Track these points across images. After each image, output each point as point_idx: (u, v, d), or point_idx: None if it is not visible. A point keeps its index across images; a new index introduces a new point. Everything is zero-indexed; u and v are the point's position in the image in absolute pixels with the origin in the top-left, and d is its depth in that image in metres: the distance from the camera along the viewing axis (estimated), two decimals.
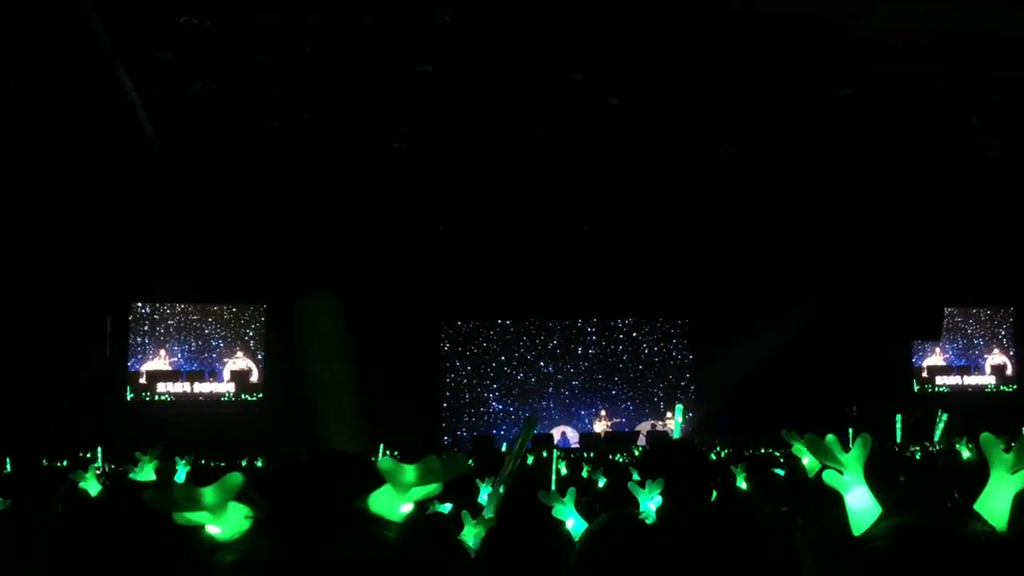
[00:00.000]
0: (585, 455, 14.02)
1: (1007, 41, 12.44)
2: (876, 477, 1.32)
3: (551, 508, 1.83)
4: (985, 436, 1.23)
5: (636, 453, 14.73)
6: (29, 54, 12.11)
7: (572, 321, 21.30)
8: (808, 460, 2.57)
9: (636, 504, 1.78)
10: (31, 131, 14.22)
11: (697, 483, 2.60)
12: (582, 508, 1.89)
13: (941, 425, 11.21)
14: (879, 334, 19.85)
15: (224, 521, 0.85)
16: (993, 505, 1.20)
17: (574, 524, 1.82)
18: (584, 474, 5.00)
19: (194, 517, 0.85)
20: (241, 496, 0.86)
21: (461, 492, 3.80)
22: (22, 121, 13.82)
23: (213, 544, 0.86)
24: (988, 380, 21.96)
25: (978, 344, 22.07)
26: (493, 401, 20.88)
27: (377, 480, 0.89)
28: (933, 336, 21.76)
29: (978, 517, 1.15)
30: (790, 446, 2.73)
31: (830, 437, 1.33)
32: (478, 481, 3.42)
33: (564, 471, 5.74)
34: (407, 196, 17.37)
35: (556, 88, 13.62)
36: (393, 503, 0.88)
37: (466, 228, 18.38)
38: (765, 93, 13.91)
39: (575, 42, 12.37)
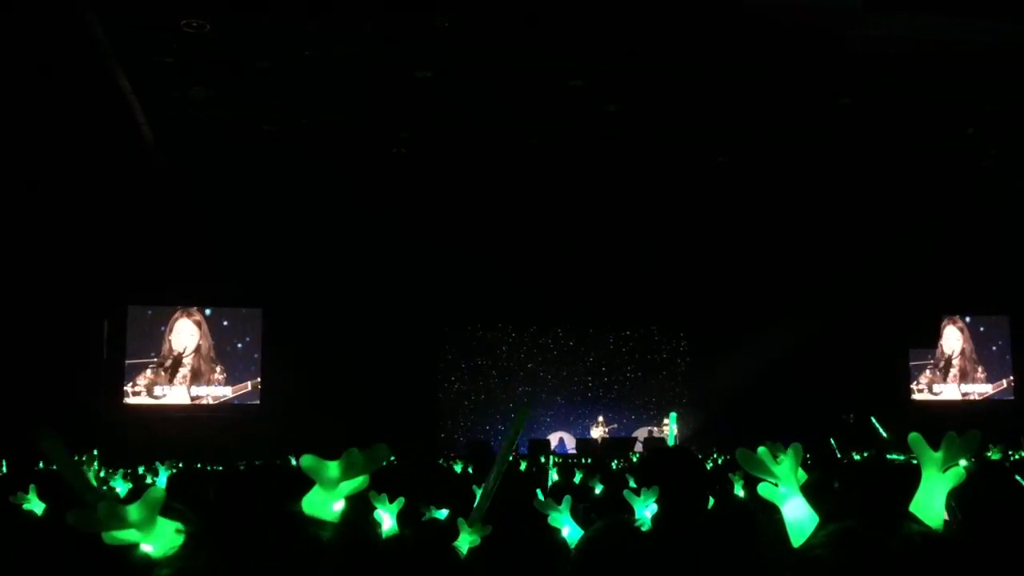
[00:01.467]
0: (582, 461, 14.01)
1: (1003, 52, 12.49)
2: (812, 486, 1.31)
3: (546, 516, 1.83)
4: (913, 436, 1.23)
5: (633, 459, 14.71)
6: (28, 57, 12.11)
7: (570, 327, 21.28)
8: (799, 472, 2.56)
9: (632, 511, 1.78)
10: (30, 135, 14.22)
11: (693, 490, 2.60)
12: (578, 515, 1.89)
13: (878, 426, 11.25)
14: (876, 342, 19.87)
15: (155, 538, 0.86)
16: (928, 505, 1.19)
17: (570, 532, 1.83)
18: (577, 480, 4.99)
19: (123, 536, 0.85)
20: (170, 511, 0.87)
21: (457, 498, 3.80)
22: (21, 125, 13.82)
23: (148, 562, 0.86)
24: (985, 388, 21.97)
25: (975, 353, 22.07)
26: (490, 407, 20.85)
27: (308, 484, 0.89)
28: (929, 344, 21.77)
29: (913, 518, 1.15)
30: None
31: (761, 449, 1.31)
32: (475, 487, 3.42)
33: (556, 477, 5.73)
34: (406, 201, 17.38)
35: (555, 95, 13.64)
36: (325, 502, 0.90)
37: (464, 234, 18.38)
38: (763, 102, 13.94)
39: (574, 49, 12.39)
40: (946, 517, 1.23)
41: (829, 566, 1.09)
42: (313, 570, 0.84)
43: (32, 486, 3.20)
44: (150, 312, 18.97)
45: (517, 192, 17.15)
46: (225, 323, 19.36)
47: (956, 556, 1.09)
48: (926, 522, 1.17)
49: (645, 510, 1.81)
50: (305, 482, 0.89)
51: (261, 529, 0.86)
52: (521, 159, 15.96)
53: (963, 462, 1.26)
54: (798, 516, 1.27)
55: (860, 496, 2.23)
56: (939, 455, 1.23)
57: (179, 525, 0.87)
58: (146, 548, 0.85)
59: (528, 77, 13.18)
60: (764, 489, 1.31)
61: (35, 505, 3.14)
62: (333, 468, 0.87)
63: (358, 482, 0.89)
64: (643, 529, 1.64)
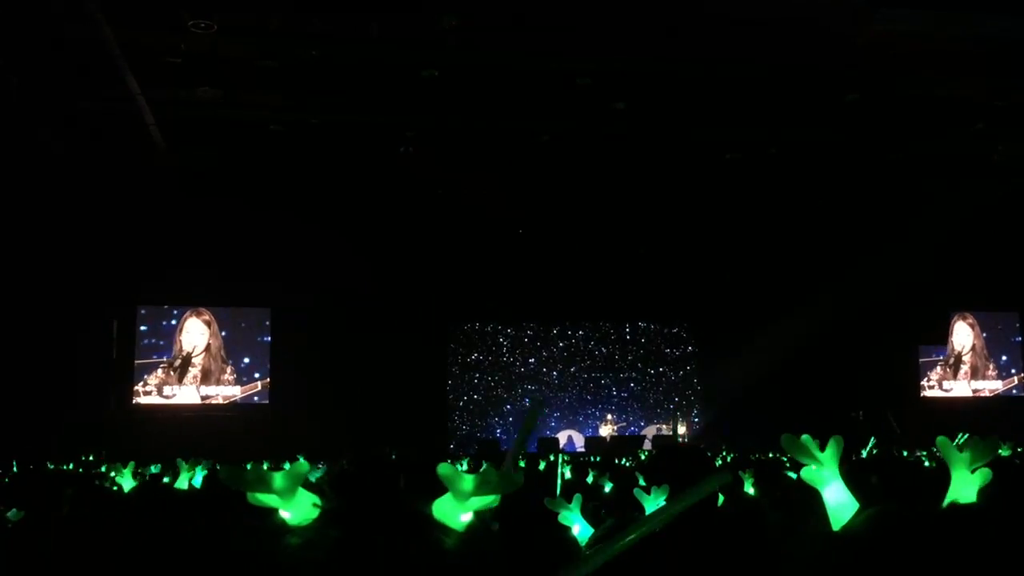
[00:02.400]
0: (591, 459, 14.01)
1: (1012, 47, 12.44)
2: (850, 479, 1.37)
3: (557, 514, 1.83)
4: (941, 439, 1.29)
5: (642, 457, 14.71)
6: (35, 58, 12.17)
7: (578, 325, 21.30)
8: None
9: (642, 510, 1.77)
10: (38, 136, 14.29)
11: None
12: (589, 513, 1.88)
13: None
14: (885, 339, 19.82)
15: (294, 506, 0.91)
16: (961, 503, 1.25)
17: (580, 530, 1.82)
18: (590, 480, 4.99)
19: (264, 499, 0.91)
20: (312, 487, 0.92)
21: None
22: (29, 126, 13.89)
23: (283, 527, 0.92)
24: (996, 385, 21.89)
25: (985, 349, 21.99)
26: (499, 405, 20.87)
27: (442, 488, 0.93)
28: (940, 341, 21.70)
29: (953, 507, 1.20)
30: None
31: (805, 436, 1.37)
32: None
33: (568, 475, 5.73)
34: (413, 200, 17.40)
35: (563, 93, 13.63)
36: (454, 511, 0.93)
37: (472, 233, 18.39)
38: (771, 98, 13.91)
39: (581, 47, 12.38)
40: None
41: (870, 543, 1.13)
42: (429, 572, 0.89)
43: (131, 463, 3.26)
44: (162, 310, 19.03)
45: (525, 191, 17.14)
46: (235, 323, 19.41)
47: (995, 527, 1.13)
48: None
49: (655, 508, 1.80)
50: (435, 484, 0.93)
51: (391, 520, 0.92)
52: (528, 158, 15.96)
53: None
54: (839, 500, 1.34)
55: (896, 488, 2.25)
56: (967, 455, 1.28)
57: (316, 499, 0.92)
58: (284, 515, 0.91)
59: (535, 76, 13.18)
60: (807, 473, 1.37)
61: (126, 480, 3.18)
62: (468, 482, 0.91)
63: (489, 500, 0.92)
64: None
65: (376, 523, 0.91)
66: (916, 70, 13.21)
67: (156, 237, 17.02)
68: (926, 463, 5.75)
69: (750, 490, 3.97)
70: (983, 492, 1.27)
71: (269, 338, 19.27)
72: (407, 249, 18.38)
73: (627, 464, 11.48)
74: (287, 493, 0.90)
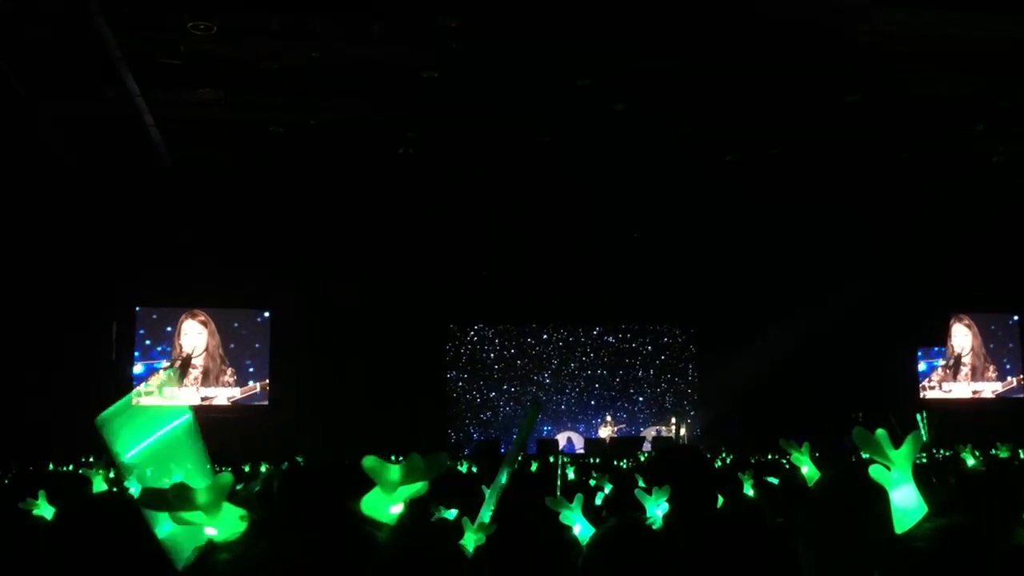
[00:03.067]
0: (591, 461, 13.99)
1: (1012, 46, 12.42)
2: (920, 481, 1.31)
3: (557, 513, 1.82)
4: (879, 432, 1.25)
5: (642, 459, 14.70)
6: (35, 59, 12.16)
7: (578, 326, 21.30)
8: (808, 469, 2.54)
9: (643, 510, 1.77)
10: (37, 136, 14.28)
11: (703, 489, 2.58)
12: (590, 513, 1.88)
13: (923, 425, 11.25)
14: (885, 340, 19.82)
15: (220, 522, 0.88)
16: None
17: (581, 529, 1.81)
18: (592, 482, 4.98)
19: (189, 517, 0.88)
20: (237, 498, 0.89)
21: (465, 498, 3.79)
22: (28, 126, 13.88)
23: (210, 544, 0.88)
24: (994, 387, 21.89)
25: (984, 351, 21.99)
26: (498, 406, 20.87)
27: (369, 484, 0.90)
28: (939, 343, 21.70)
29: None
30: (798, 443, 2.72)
31: (880, 432, 1.32)
32: (484, 487, 3.41)
33: (572, 476, 5.73)
34: (414, 201, 17.39)
35: (562, 93, 13.62)
36: (383, 504, 0.92)
37: (472, 233, 18.38)
38: (771, 99, 13.90)
39: (581, 48, 12.37)
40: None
41: (929, 560, 1.09)
42: (365, 569, 0.87)
43: (41, 492, 3.19)
44: (155, 316, 19.03)
45: (524, 191, 17.13)
46: (234, 324, 19.41)
47: None
48: None
49: (656, 509, 1.80)
50: (366, 482, 0.92)
51: (320, 523, 0.89)
52: (528, 158, 15.95)
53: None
54: (907, 503, 1.29)
55: (974, 498, 2.22)
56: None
57: (243, 512, 0.89)
58: (210, 531, 0.88)
59: (535, 76, 13.17)
60: (876, 471, 1.32)
61: (45, 510, 3.13)
62: (394, 471, 0.90)
63: (417, 487, 0.92)
64: (654, 528, 1.63)
65: (305, 528, 0.89)
66: (917, 70, 13.20)
67: (156, 238, 17.01)
68: (971, 461, 5.73)
69: (749, 492, 3.97)
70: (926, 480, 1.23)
71: (269, 339, 19.28)
72: (407, 250, 18.37)
73: (626, 465, 11.47)
74: (212, 508, 0.87)
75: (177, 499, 0.86)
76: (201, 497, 0.86)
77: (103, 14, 10.93)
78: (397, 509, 0.91)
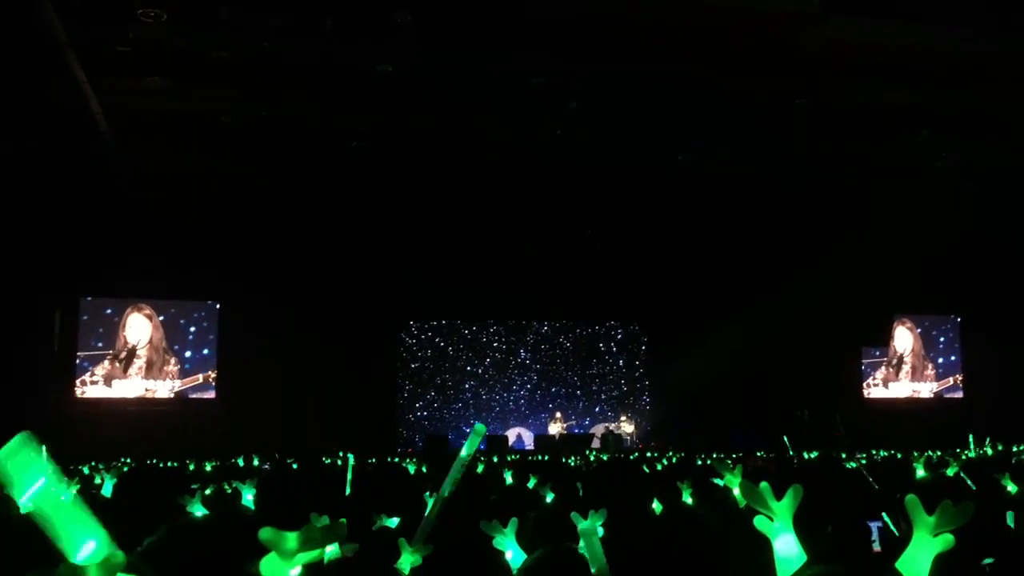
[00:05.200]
0: (539, 458, 14.07)
1: (954, 57, 12.72)
2: (803, 527, 1.36)
3: (491, 537, 1.84)
4: (910, 498, 1.27)
5: (591, 457, 14.81)
6: None
7: (528, 323, 21.37)
8: (739, 491, 2.60)
9: (576, 538, 1.80)
10: None
11: (637, 503, 2.64)
12: (527, 529, 1.89)
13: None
14: (830, 341, 20.17)
15: None
16: (915, 565, 1.24)
17: (513, 555, 1.84)
18: (531, 484, 5.02)
19: None
20: (131, 567, 0.87)
21: (410, 505, 3.80)
22: None
23: None
24: (932, 386, 22.40)
25: (925, 352, 22.49)
26: (448, 402, 20.87)
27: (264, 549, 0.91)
28: (882, 343, 22.16)
29: (897, 573, 1.20)
30: (731, 464, 2.78)
31: (764, 485, 1.37)
32: (427, 495, 3.42)
33: (510, 480, 5.75)
34: (365, 196, 17.28)
35: (515, 92, 13.62)
36: (282, 568, 0.92)
37: (423, 231, 18.32)
38: (722, 102, 14.04)
39: (535, 46, 12.39)
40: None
41: None
42: None
43: None
44: (100, 306, 18.71)
45: (477, 189, 17.11)
46: (181, 316, 19.16)
47: None
48: None
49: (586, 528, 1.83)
50: (259, 542, 0.92)
51: None
52: (481, 156, 15.93)
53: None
54: (788, 552, 1.34)
55: (850, 544, 2.28)
56: (932, 520, 1.27)
57: None
58: None
59: (489, 73, 13.15)
60: (760, 522, 1.36)
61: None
62: (291, 540, 0.90)
63: (314, 554, 0.91)
64: (586, 556, 1.66)
65: None
66: (864, 77, 13.43)
67: (102, 228, 16.71)
68: (920, 472, 5.79)
69: (688, 500, 4.03)
70: (939, 560, 1.26)
71: (216, 332, 19.06)
72: (358, 245, 18.26)
73: (573, 464, 11.55)
74: None
75: None
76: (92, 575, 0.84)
77: (51, 0, 10.70)
78: (295, 572, 0.92)
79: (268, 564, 0.91)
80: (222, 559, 0.97)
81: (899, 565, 1.24)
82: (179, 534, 1.05)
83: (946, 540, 1.27)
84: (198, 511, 4.28)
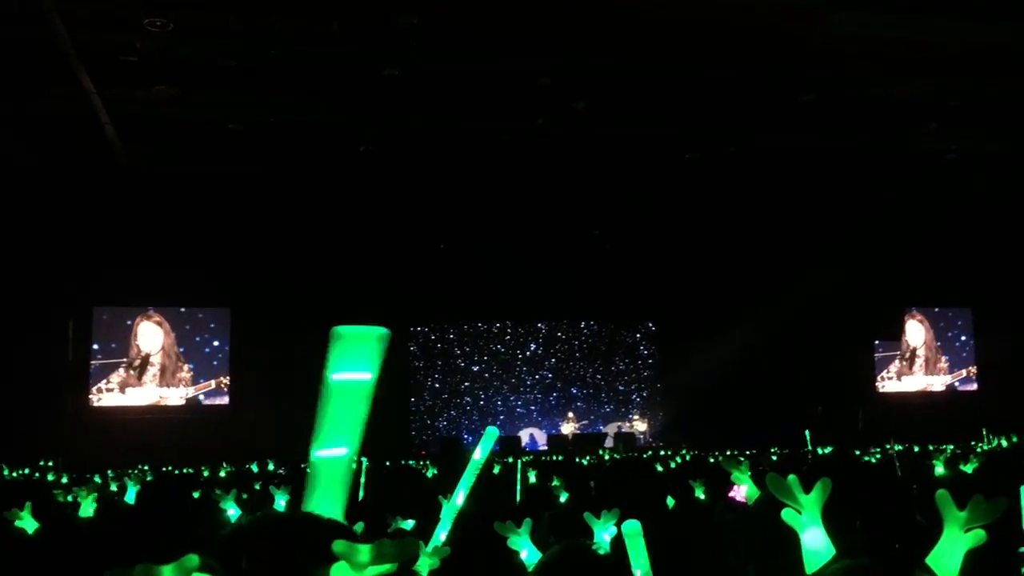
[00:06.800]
0: (553, 458, 14.07)
1: (963, 48, 12.66)
2: (834, 519, 1.36)
3: (506, 538, 1.85)
4: (941, 493, 1.27)
5: (604, 456, 14.81)
6: None
7: (540, 324, 21.36)
8: (747, 488, 2.60)
9: (591, 534, 1.80)
10: None
11: (652, 503, 2.65)
12: (543, 528, 1.90)
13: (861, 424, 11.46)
14: (842, 335, 20.10)
15: None
16: (945, 561, 1.24)
17: (528, 555, 1.85)
18: (555, 483, 5.04)
19: None
20: (204, 567, 0.89)
21: (425, 508, 3.82)
22: None
23: None
24: (949, 380, 22.30)
25: (935, 344, 22.39)
26: (461, 404, 20.88)
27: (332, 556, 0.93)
28: (894, 337, 22.08)
29: (927, 569, 1.19)
30: (739, 461, 2.77)
31: (792, 478, 1.37)
32: (441, 498, 3.43)
33: (533, 480, 5.78)
34: (373, 200, 17.31)
35: (523, 92, 13.63)
36: None
37: (433, 232, 18.35)
38: (730, 99, 14.02)
39: (542, 47, 12.40)
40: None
41: None
42: None
43: (28, 504, 3.17)
44: (111, 315, 18.79)
45: (485, 190, 17.13)
46: (193, 323, 19.23)
47: None
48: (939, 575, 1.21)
49: (604, 533, 1.84)
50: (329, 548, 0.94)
51: None
52: (489, 157, 15.94)
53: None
54: (816, 545, 1.34)
55: (880, 540, 2.28)
56: (963, 515, 1.27)
57: None
58: None
59: (496, 75, 13.17)
60: (787, 514, 1.36)
61: (28, 523, 3.11)
62: (364, 553, 0.92)
63: (384, 568, 0.93)
64: (600, 553, 1.67)
65: None
66: (871, 71, 13.39)
67: (113, 237, 16.79)
68: (939, 470, 5.75)
69: (701, 496, 4.04)
70: (970, 556, 1.25)
71: (228, 338, 19.13)
72: (368, 249, 18.29)
73: (587, 463, 11.54)
74: None
75: None
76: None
77: (58, 11, 10.76)
78: None
79: (338, 571, 0.93)
80: (289, 559, 0.99)
81: (930, 560, 1.23)
82: (255, 527, 1.07)
83: (978, 536, 1.26)
84: (230, 508, 4.32)
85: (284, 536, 1.06)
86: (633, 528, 1.28)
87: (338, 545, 0.91)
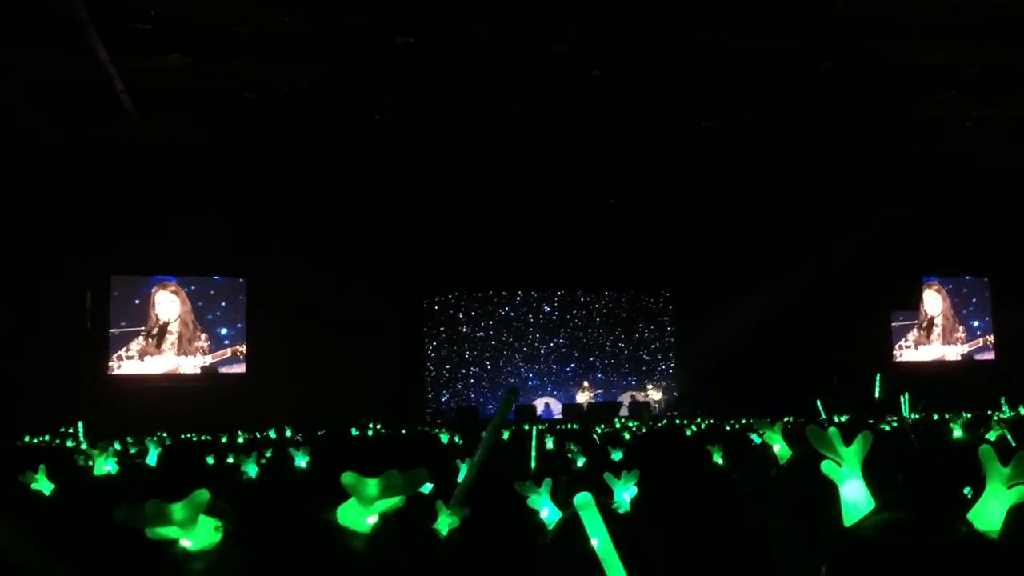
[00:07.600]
0: (568, 427, 14.11)
1: (983, 14, 12.50)
2: (874, 473, 1.36)
3: (526, 497, 1.86)
4: (984, 448, 1.26)
5: (618, 424, 14.84)
6: (4, 27, 11.94)
7: (555, 293, 21.37)
8: (779, 448, 2.60)
9: (611, 494, 1.81)
10: (7, 104, 14.06)
11: (677, 470, 2.65)
12: (559, 496, 1.91)
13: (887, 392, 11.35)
14: (859, 305, 20.02)
15: (195, 534, 0.90)
16: (987, 516, 1.23)
17: (548, 514, 1.86)
18: (574, 449, 5.06)
19: (165, 532, 0.89)
20: (211, 508, 0.90)
21: (443, 472, 3.84)
22: None
23: (186, 554, 0.90)
24: (966, 349, 22.22)
25: (953, 314, 22.28)
26: (476, 373, 20.96)
27: (344, 493, 0.93)
28: (912, 307, 21.98)
29: (968, 524, 1.19)
30: (771, 421, 2.77)
31: (832, 430, 1.37)
32: (459, 462, 3.45)
33: (551, 446, 5.80)
34: (389, 169, 17.30)
35: (538, 61, 13.55)
36: (359, 515, 0.95)
37: (448, 200, 18.33)
38: (746, 66, 13.89)
39: (557, 15, 12.30)
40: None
41: (872, 548, 1.14)
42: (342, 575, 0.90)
43: (42, 466, 3.20)
44: (138, 287, 18.92)
45: (501, 158, 17.08)
46: (211, 292, 19.34)
47: (998, 560, 1.13)
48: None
49: (624, 493, 1.84)
50: (337, 491, 0.95)
51: (295, 533, 0.92)
52: (505, 125, 15.88)
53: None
54: (855, 498, 1.34)
55: (921, 494, 2.27)
56: (1007, 471, 1.26)
57: (217, 523, 0.91)
58: (185, 543, 0.90)
59: (511, 43, 13.08)
60: (827, 467, 1.36)
61: (43, 485, 3.15)
62: (372, 487, 0.92)
63: (394, 501, 0.94)
64: (620, 512, 1.67)
65: (282, 537, 0.91)
66: (890, 38, 13.24)
67: (129, 207, 16.85)
68: (957, 433, 5.74)
69: (719, 460, 4.05)
70: (1014, 511, 1.24)
71: (245, 306, 19.23)
72: (384, 218, 18.31)
73: (603, 431, 11.57)
74: (188, 524, 0.88)
75: (155, 516, 0.87)
76: (178, 513, 0.87)
77: None
78: (372, 520, 0.94)
79: (346, 510, 0.94)
80: (305, 506, 1.00)
81: (971, 516, 1.22)
82: (268, 476, 1.09)
83: (1020, 492, 1.26)
84: (251, 470, 4.36)
85: (295, 484, 1.08)
86: (584, 499, 1.28)
87: (347, 477, 0.92)
